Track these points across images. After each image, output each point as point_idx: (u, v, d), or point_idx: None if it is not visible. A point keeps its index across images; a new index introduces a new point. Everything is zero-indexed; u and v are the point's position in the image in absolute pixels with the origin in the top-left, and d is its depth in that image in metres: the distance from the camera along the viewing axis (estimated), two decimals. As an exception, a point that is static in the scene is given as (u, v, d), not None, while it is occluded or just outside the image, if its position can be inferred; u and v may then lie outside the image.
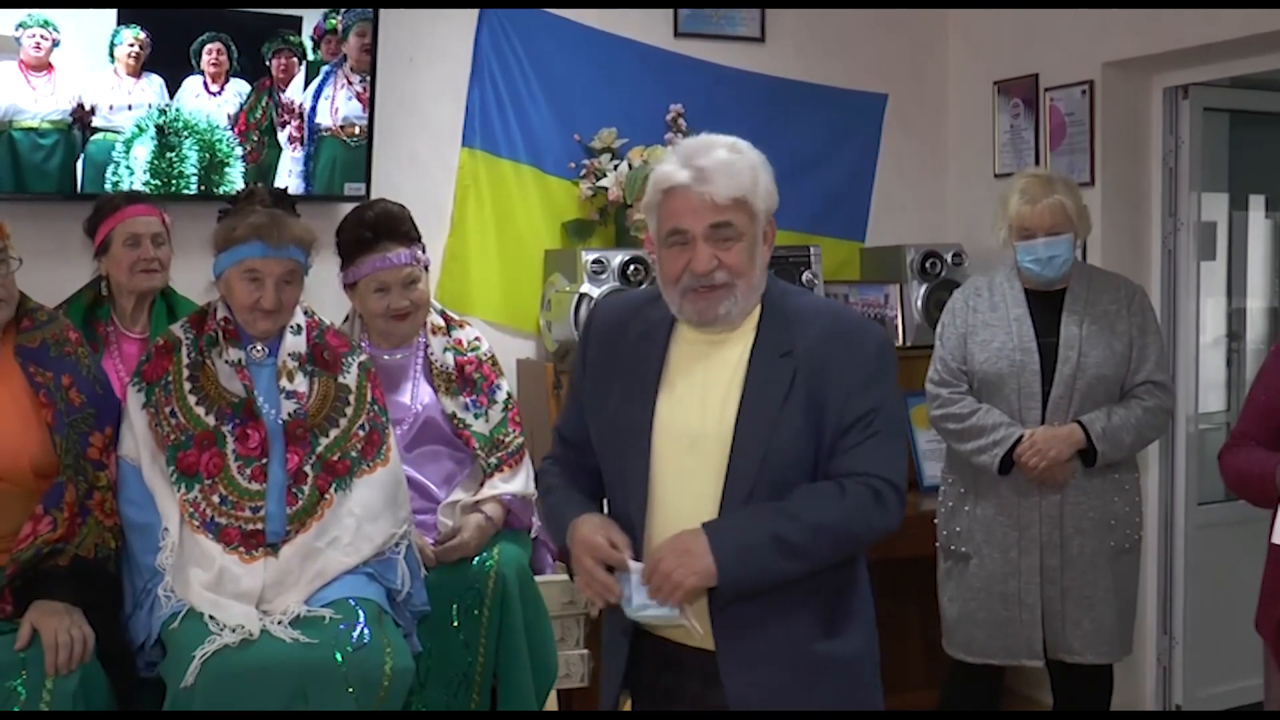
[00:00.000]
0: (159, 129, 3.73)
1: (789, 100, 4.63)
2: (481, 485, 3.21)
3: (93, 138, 3.66)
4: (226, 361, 2.83)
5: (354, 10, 3.92)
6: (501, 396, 3.32)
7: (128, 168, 3.70)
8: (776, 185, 2.23)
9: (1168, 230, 4.40)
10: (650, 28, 4.49)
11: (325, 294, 3.40)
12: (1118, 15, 4.19)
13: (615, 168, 4.26)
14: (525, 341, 4.33)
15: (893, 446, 2.23)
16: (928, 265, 4.47)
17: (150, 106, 3.71)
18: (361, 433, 2.89)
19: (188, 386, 2.81)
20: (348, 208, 3.51)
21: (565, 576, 3.33)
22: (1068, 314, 3.40)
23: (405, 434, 3.18)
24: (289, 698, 2.51)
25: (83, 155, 3.66)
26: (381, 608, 2.74)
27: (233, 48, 3.78)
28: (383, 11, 3.97)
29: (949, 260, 4.49)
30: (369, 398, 2.94)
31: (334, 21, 3.91)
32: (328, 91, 3.94)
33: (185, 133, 3.76)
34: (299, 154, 3.92)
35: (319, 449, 2.82)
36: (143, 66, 3.68)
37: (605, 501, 2.33)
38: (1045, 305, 3.43)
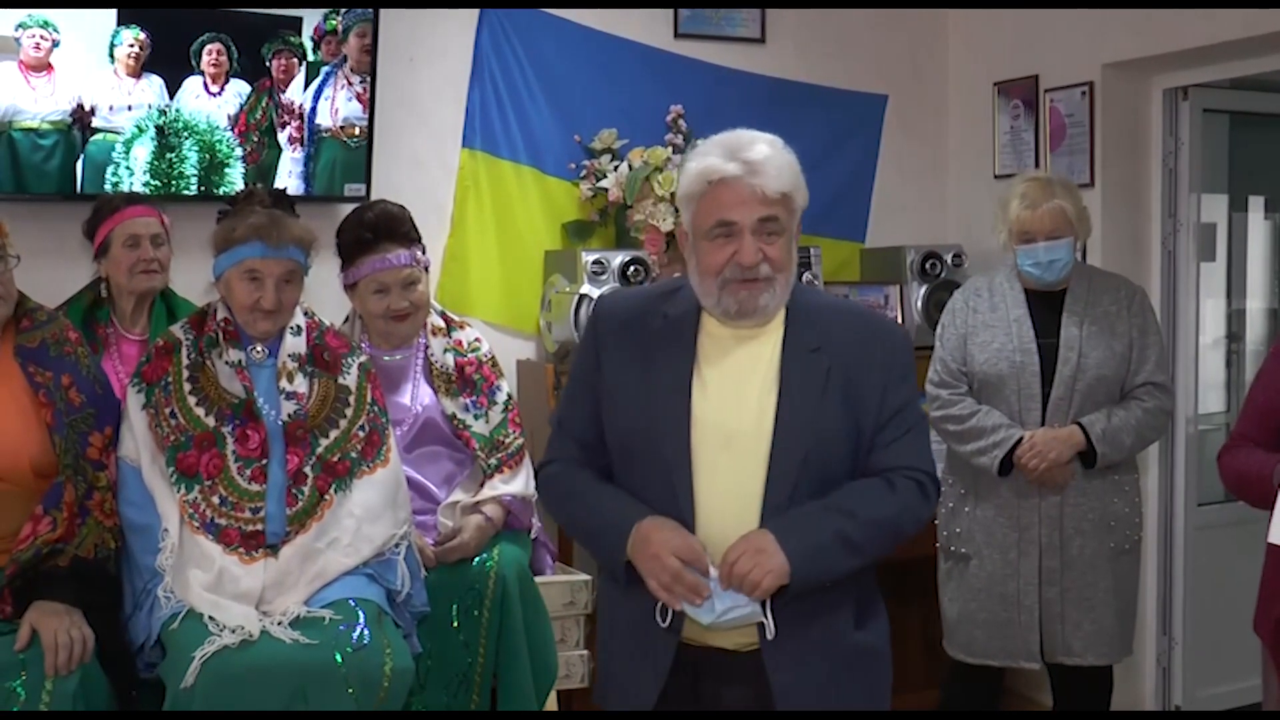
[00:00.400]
0: (159, 129, 3.72)
1: (789, 101, 4.62)
2: (481, 486, 3.21)
3: (92, 138, 3.65)
4: (226, 362, 2.83)
5: (354, 10, 3.92)
6: (501, 397, 3.32)
7: (127, 168, 3.70)
8: None
9: (1167, 231, 4.39)
10: (650, 28, 4.49)
11: (325, 294, 3.39)
12: (1117, 16, 4.19)
13: (615, 168, 4.26)
14: (525, 342, 4.33)
15: (925, 440, 2.29)
16: (928, 266, 4.47)
17: (150, 107, 3.71)
18: (361, 434, 2.89)
19: (188, 387, 2.80)
20: (348, 208, 3.51)
21: (565, 577, 3.33)
22: (1068, 315, 3.40)
23: (405, 435, 3.18)
24: (289, 698, 2.51)
25: (82, 156, 3.65)
26: (381, 608, 2.73)
27: (233, 48, 3.78)
28: (383, 12, 3.97)
29: (949, 261, 4.48)
30: (369, 399, 2.94)
31: (334, 22, 3.90)
32: (328, 92, 3.93)
33: (185, 133, 3.75)
34: (299, 155, 3.92)
35: (319, 450, 2.82)
36: (143, 67, 3.68)
37: None
38: (1045, 306, 3.43)
